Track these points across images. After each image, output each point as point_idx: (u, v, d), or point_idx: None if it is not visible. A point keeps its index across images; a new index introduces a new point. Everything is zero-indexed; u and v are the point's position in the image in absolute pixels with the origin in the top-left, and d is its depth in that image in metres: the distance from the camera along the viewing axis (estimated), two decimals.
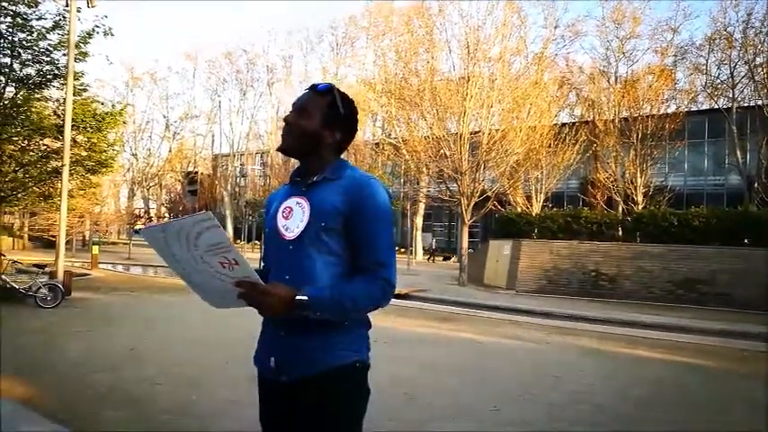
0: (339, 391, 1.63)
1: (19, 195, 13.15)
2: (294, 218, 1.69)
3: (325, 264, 1.64)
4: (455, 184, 19.33)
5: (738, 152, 27.43)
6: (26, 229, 32.16)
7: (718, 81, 28.69)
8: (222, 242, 1.36)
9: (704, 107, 30.63)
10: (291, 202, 1.73)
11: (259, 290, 1.50)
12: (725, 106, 28.68)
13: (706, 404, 5.63)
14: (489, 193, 19.97)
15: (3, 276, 10.86)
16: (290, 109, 1.79)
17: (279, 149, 1.81)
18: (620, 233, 18.29)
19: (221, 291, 1.50)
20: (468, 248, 20.50)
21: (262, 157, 52.51)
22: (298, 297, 1.52)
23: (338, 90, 1.79)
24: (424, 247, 39.35)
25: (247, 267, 1.43)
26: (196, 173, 57.22)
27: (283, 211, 1.73)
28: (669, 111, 27.35)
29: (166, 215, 57.71)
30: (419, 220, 38.43)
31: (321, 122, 1.74)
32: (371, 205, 1.66)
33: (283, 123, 1.77)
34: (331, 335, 1.63)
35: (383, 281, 1.64)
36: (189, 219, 1.34)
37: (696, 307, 14.54)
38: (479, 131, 19.41)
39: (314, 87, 1.78)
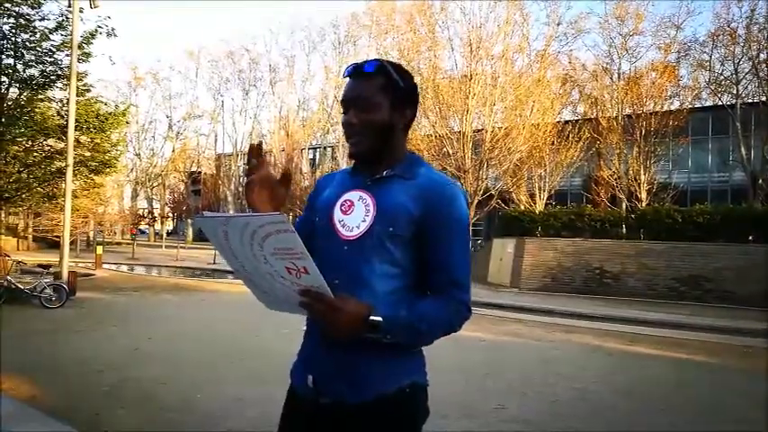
0: (388, 420, 1.42)
1: (23, 196, 13.20)
2: (355, 214, 1.46)
3: (384, 274, 1.42)
4: (458, 183, 19.33)
5: (743, 149, 27.32)
6: (30, 229, 32.29)
7: (722, 77, 28.58)
8: (294, 248, 1.21)
9: (708, 104, 30.52)
10: (353, 195, 1.50)
11: (326, 303, 1.28)
12: (729, 103, 28.57)
13: (709, 401, 5.62)
14: (492, 191, 19.99)
15: (8, 277, 10.91)
16: (342, 108, 1.53)
17: (352, 156, 1.52)
18: (624, 230, 18.24)
19: (281, 294, 1.35)
20: (472, 247, 20.49)
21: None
22: (372, 318, 1.31)
23: (389, 62, 1.53)
24: None
25: (319, 278, 1.26)
26: (199, 173, 57.31)
27: (342, 204, 1.50)
28: (672, 107, 27.25)
29: (170, 215, 57.89)
30: None
31: (389, 108, 1.48)
32: (452, 215, 1.43)
33: (343, 126, 1.50)
34: (380, 355, 1.42)
35: (461, 304, 1.44)
36: (259, 217, 1.22)
37: (700, 304, 14.51)
38: (482, 129, 19.42)
39: (360, 70, 1.49)
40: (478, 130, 19.54)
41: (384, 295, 1.41)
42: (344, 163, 44.38)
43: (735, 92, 28.04)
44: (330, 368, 1.44)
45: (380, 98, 1.47)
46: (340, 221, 1.47)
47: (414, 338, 1.41)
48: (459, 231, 1.45)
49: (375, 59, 1.50)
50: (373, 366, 1.42)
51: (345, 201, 1.50)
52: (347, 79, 1.53)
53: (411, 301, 1.43)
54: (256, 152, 1.48)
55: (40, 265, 11.79)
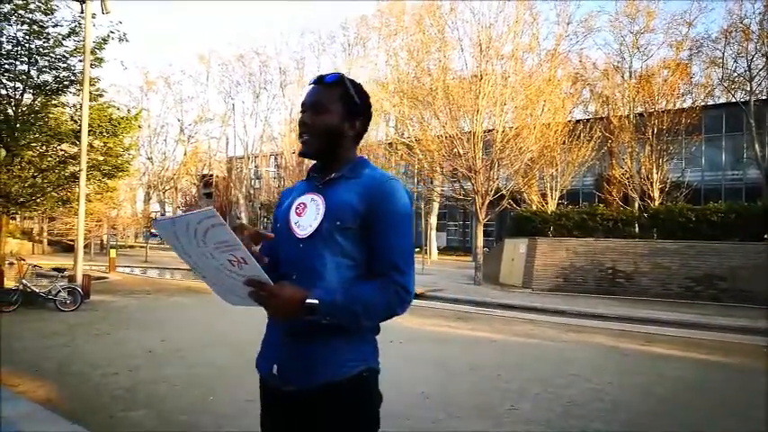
0: (347, 404, 1.53)
1: (38, 200, 13.32)
2: (307, 215, 1.60)
3: (336, 265, 1.54)
4: (469, 183, 19.28)
5: (757, 146, 27.02)
6: (45, 233, 32.63)
7: (735, 74, 28.28)
8: (228, 240, 1.30)
9: (721, 101, 30.23)
10: (306, 198, 1.64)
11: (267, 290, 1.40)
12: (742, 99, 28.26)
13: (725, 401, 5.55)
14: (504, 192, 19.89)
15: (23, 280, 11.03)
16: (301, 109, 1.69)
17: (300, 154, 1.69)
18: (637, 230, 18.09)
19: (233, 288, 1.44)
20: (484, 247, 20.42)
21: (276, 159, 52.72)
22: (307, 301, 1.42)
23: (347, 78, 1.69)
24: (438, 247, 39.30)
25: (255, 266, 1.35)
26: (211, 176, 57.59)
27: (297, 208, 1.65)
28: (685, 105, 27.02)
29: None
30: (433, 220, 38.37)
31: (340, 116, 1.65)
32: (390, 206, 1.57)
33: (299, 125, 1.67)
34: (335, 342, 1.53)
35: (399, 287, 1.52)
36: (193, 214, 1.28)
37: (715, 304, 14.36)
38: (493, 129, 19.34)
39: (321, 80, 1.67)
40: (489, 130, 19.46)
41: (338, 286, 1.52)
42: None
43: (748, 89, 27.72)
44: (290, 356, 1.55)
45: (335, 106, 1.64)
46: (296, 223, 1.62)
47: (351, 320, 1.50)
48: (398, 221, 1.57)
49: (336, 73, 1.67)
50: (329, 353, 1.53)
51: (299, 204, 1.65)
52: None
53: (353, 285, 1.54)
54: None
55: (54, 269, 11.91)
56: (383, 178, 1.61)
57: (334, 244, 1.54)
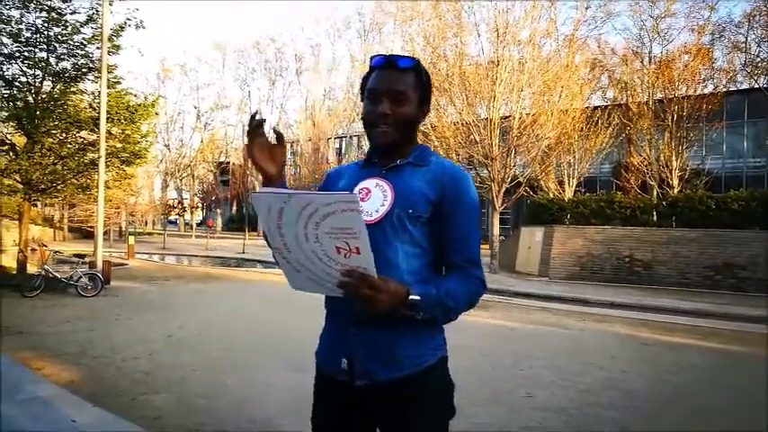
0: (428, 395, 1.52)
1: (58, 187, 13.47)
2: (372, 200, 1.54)
3: (406, 254, 1.50)
4: (485, 170, 19.16)
5: None
6: (66, 220, 33.12)
7: (759, 59, 27.66)
8: (353, 228, 1.23)
9: (743, 87, 29.61)
10: (369, 183, 1.57)
11: (369, 283, 1.30)
12: (765, 85, 27.68)
13: (742, 391, 5.50)
14: (520, 179, 19.74)
15: (45, 266, 11.24)
16: (368, 95, 1.58)
17: (378, 145, 1.59)
18: (655, 218, 17.89)
19: (319, 273, 1.35)
20: (500, 235, 20.34)
21: (292, 146, 52.88)
22: (411, 297, 1.38)
23: (419, 60, 1.61)
24: None
25: (369, 259, 1.29)
26: (228, 163, 57.99)
27: (360, 192, 1.56)
28: (706, 91, 26.52)
29: (199, 205, 58.71)
30: None
31: (417, 104, 1.58)
32: (465, 197, 1.54)
33: (376, 116, 1.54)
34: (414, 334, 1.49)
35: (478, 280, 1.53)
36: (329, 195, 1.22)
37: (735, 293, 14.19)
38: (510, 116, 19.16)
39: (393, 63, 1.57)
40: (506, 117, 19.29)
41: (408, 274, 1.48)
42: None
43: None
44: (364, 350, 1.49)
45: (412, 93, 1.56)
46: None
47: (443, 314, 1.48)
48: (472, 213, 1.55)
49: (410, 57, 1.59)
50: (406, 344, 1.50)
51: (362, 188, 1.57)
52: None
53: (436, 278, 1.53)
54: (255, 123, 1.55)
55: (75, 255, 12.11)
56: (456, 169, 1.58)
57: (404, 231, 1.50)
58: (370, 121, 1.57)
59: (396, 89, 1.54)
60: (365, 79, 1.63)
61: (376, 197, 1.54)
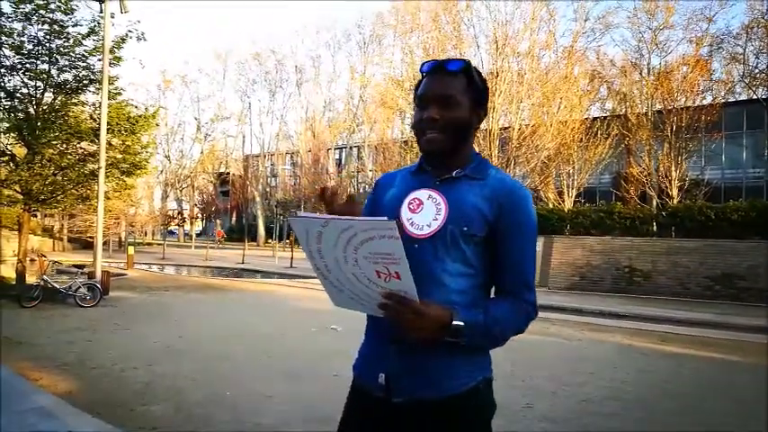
0: (465, 418, 1.43)
1: (58, 198, 13.49)
2: (424, 213, 1.45)
3: (456, 273, 1.41)
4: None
5: None
6: (65, 230, 33.13)
7: (757, 70, 27.83)
8: (393, 254, 1.20)
9: (742, 98, 29.78)
10: (422, 193, 1.48)
11: (411, 307, 1.26)
12: (764, 96, 27.82)
13: (742, 401, 5.48)
14: None
15: (44, 277, 11.22)
16: (418, 102, 1.52)
17: (426, 153, 1.51)
18: (655, 228, 17.91)
19: (360, 294, 1.33)
20: None
21: (292, 157, 53.02)
22: (454, 323, 1.31)
23: (471, 63, 1.52)
24: None
25: (410, 284, 1.25)
26: (228, 174, 58.10)
27: (411, 203, 1.48)
28: (705, 102, 26.66)
29: (199, 216, 58.76)
30: None
31: (469, 108, 1.49)
32: (524, 217, 1.44)
33: (425, 122, 1.47)
34: (456, 354, 1.40)
35: (530, 306, 1.45)
36: (369, 222, 1.20)
37: (734, 303, 14.16)
38: (509, 127, 19.26)
39: (442, 67, 1.50)
40: (505, 128, 19.39)
41: (456, 294, 1.41)
42: (370, 163, 44.46)
43: None
44: (404, 367, 1.43)
45: (462, 97, 1.47)
46: (408, 220, 1.46)
47: (488, 342, 1.42)
48: (530, 234, 1.47)
49: (461, 59, 1.51)
50: (450, 364, 1.42)
51: (414, 199, 1.48)
52: (426, 76, 1.52)
53: (485, 302, 1.45)
54: (330, 192, 1.59)
55: (74, 266, 12.09)
56: (515, 185, 1.48)
57: (456, 249, 1.41)
58: (418, 127, 1.50)
59: (444, 93, 1.47)
60: (417, 88, 1.56)
61: (428, 210, 1.45)
